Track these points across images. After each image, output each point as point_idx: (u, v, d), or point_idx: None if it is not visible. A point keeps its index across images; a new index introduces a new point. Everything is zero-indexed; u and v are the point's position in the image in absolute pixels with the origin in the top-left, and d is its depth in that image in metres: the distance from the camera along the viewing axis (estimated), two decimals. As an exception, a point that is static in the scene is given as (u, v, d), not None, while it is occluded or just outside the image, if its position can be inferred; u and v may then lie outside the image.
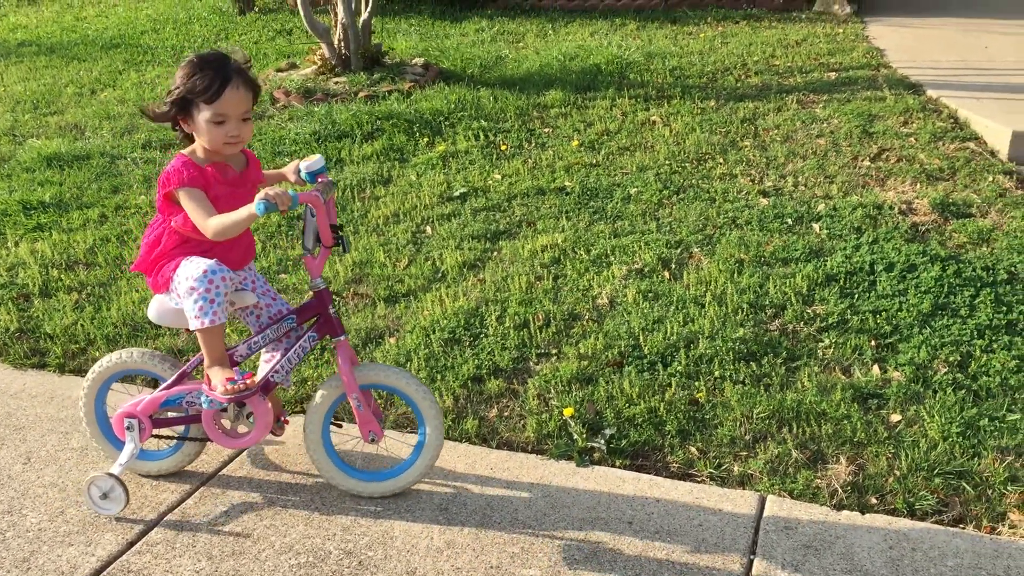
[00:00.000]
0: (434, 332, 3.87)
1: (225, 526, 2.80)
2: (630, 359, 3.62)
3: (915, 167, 5.27)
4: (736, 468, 3.04)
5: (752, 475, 3.01)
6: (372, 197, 5.42)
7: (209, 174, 2.67)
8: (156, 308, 2.82)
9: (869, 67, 7.36)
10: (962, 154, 5.43)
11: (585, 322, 3.92)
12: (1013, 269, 4.10)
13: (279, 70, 8.12)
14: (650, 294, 4.10)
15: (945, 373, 3.44)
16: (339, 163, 5.96)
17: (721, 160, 5.63)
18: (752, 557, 2.61)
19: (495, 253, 4.63)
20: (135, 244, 4.87)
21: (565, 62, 7.88)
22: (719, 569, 2.57)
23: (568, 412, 3.24)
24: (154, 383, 3.25)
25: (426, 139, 6.35)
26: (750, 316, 3.88)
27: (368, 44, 7.86)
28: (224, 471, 3.07)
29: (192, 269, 2.64)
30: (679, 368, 3.54)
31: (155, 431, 2.92)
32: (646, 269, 4.33)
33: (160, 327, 3.98)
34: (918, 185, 5.06)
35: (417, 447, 2.90)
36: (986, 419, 3.18)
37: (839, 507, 2.85)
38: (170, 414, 2.93)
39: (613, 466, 3.07)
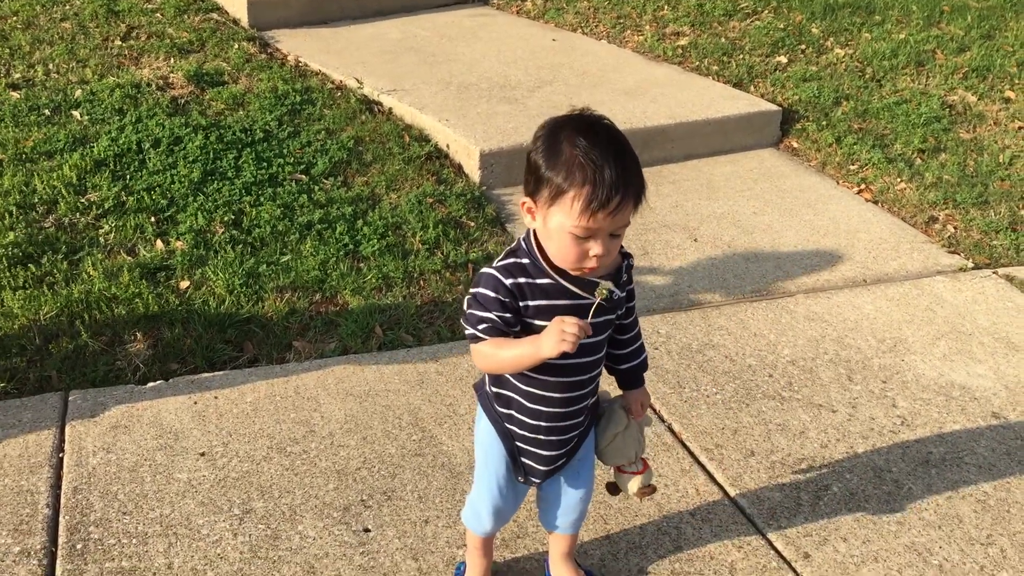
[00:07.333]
0: None
1: None
2: None
3: (166, 42, 5.30)
4: (32, 375, 2.91)
5: (50, 376, 2.90)
6: None
7: None
8: None
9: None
10: (208, 25, 5.61)
11: None
12: (267, 128, 4.45)
13: None
14: None
15: (223, 233, 3.66)
16: None
17: (-47, 55, 5.01)
18: (61, 455, 2.55)
19: None
20: None
21: None
22: (28, 478, 2.46)
23: None
24: None
25: None
26: (20, 218, 3.63)
27: None
28: None
29: None
30: (-55, 289, 3.19)
31: None
32: None
33: None
34: (172, 60, 5.12)
35: None
36: (264, 266, 3.49)
37: (144, 381, 2.92)
38: None
39: None
